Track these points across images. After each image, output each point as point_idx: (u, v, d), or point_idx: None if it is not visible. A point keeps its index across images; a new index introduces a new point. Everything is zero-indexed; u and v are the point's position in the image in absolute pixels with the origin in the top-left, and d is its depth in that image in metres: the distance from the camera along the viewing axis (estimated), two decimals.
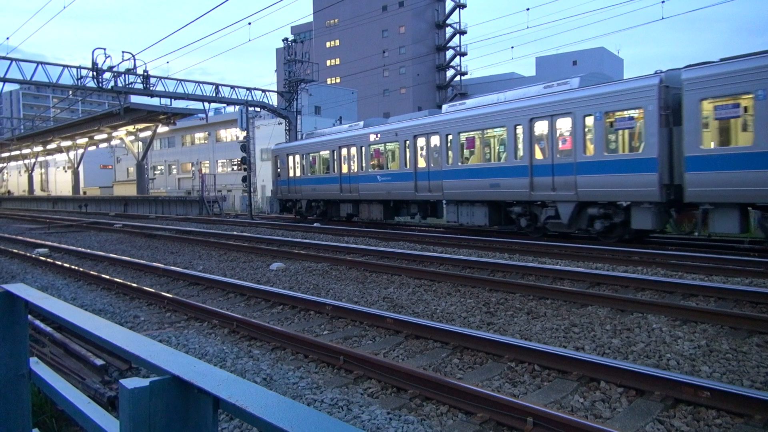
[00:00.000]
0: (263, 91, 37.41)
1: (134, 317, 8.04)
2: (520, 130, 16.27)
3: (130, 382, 1.37)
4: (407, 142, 20.61)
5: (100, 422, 1.90)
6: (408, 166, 20.58)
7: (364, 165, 22.90)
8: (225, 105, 43.28)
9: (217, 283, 10.10)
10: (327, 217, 26.52)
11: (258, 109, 38.43)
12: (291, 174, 28.12)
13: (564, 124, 15.15)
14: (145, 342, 1.75)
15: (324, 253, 14.09)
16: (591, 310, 7.55)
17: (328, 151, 25.42)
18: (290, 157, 28.19)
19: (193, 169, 61.19)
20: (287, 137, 38.40)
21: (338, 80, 79.85)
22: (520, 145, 16.23)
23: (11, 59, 28.94)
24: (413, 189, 20.25)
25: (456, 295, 8.97)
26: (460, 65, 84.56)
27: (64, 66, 30.48)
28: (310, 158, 26.76)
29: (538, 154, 15.86)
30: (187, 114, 41.93)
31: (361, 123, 24.65)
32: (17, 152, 65.02)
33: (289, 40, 38.33)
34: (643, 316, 7.13)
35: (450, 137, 18.64)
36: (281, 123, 40.67)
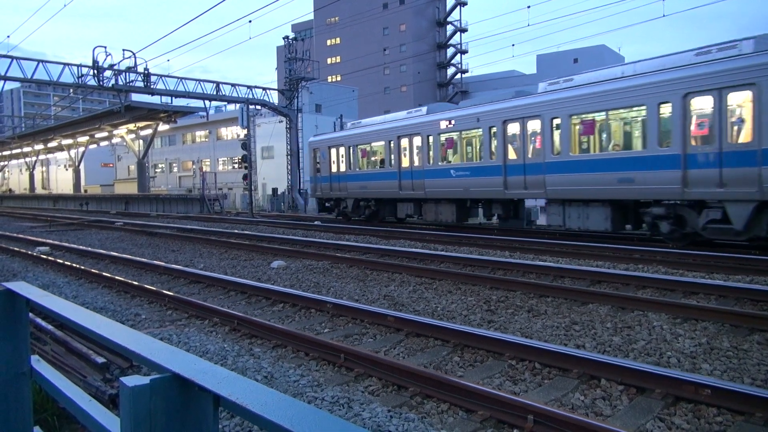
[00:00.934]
0: (264, 89, 37.41)
1: (135, 315, 8.05)
2: (667, 108, 12.76)
3: (131, 380, 1.37)
4: (493, 129, 17.16)
5: (101, 420, 1.90)
6: (494, 158, 17.13)
7: (432, 157, 19.44)
8: (226, 103, 43.27)
9: (218, 281, 10.10)
10: (378, 218, 23.36)
11: (259, 107, 38.42)
12: (333, 169, 24.67)
13: (738, 99, 11.71)
14: (146, 340, 1.75)
15: (325, 251, 14.10)
16: (592, 308, 7.55)
17: (382, 143, 21.95)
18: (332, 151, 24.76)
19: (194, 167, 61.16)
20: (288, 135, 38.39)
21: (339, 78, 79.76)
22: (671, 128, 12.71)
23: (12, 57, 28.93)
24: (502, 186, 16.83)
25: (457, 293, 8.97)
26: (460, 63, 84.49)
27: (65, 64, 30.48)
28: (359, 151, 23.35)
29: (697, 140, 12.44)
30: (188, 112, 41.95)
31: (424, 109, 21.02)
32: (18, 150, 65.07)
33: (290, 38, 38.30)
34: (644, 313, 7.13)
35: (556, 121, 15.23)
36: (282, 121, 40.66)
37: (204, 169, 49.19)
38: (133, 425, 1.35)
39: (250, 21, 27.32)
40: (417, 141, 20.26)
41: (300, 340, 6.29)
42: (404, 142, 20.81)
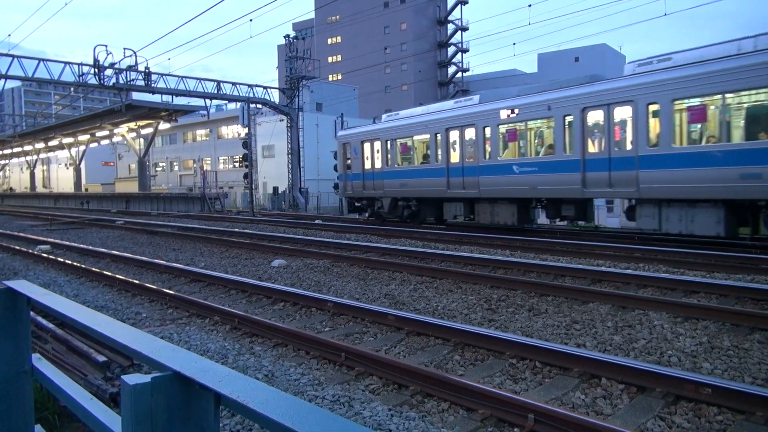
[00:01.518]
0: (265, 87, 37.41)
1: (136, 314, 8.06)
2: None
3: (132, 378, 1.37)
4: (569, 118, 15.01)
5: (102, 418, 1.90)
6: (569, 151, 14.99)
7: (488, 151, 17.33)
8: (226, 102, 43.31)
9: (219, 279, 10.11)
10: (418, 219, 21.06)
11: (259, 106, 38.43)
12: (367, 166, 22.34)
13: None
14: (147, 338, 1.75)
15: (325, 250, 14.10)
16: (592, 307, 7.55)
17: (426, 136, 19.71)
18: (366, 146, 22.48)
19: (195, 166, 61.19)
20: (289, 134, 38.39)
21: (340, 77, 79.74)
22: None
23: (13, 56, 28.92)
24: (579, 183, 14.72)
25: (457, 292, 8.97)
26: (461, 62, 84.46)
27: (66, 63, 30.48)
28: (398, 145, 21.07)
29: None
30: (189, 111, 41.94)
31: (476, 97, 18.91)
32: (19, 149, 65.10)
33: (291, 36, 38.31)
34: (645, 313, 7.12)
35: (653, 108, 13.11)
36: (283, 120, 40.68)
37: (205, 168, 49.21)
38: (134, 423, 1.35)
39: (251, 20, 27.35)
40: (470, 133, 17.94)
41: (301, 338, 6.29)
42: (454, 134, 18.47)
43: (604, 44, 76.36)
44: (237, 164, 55.22)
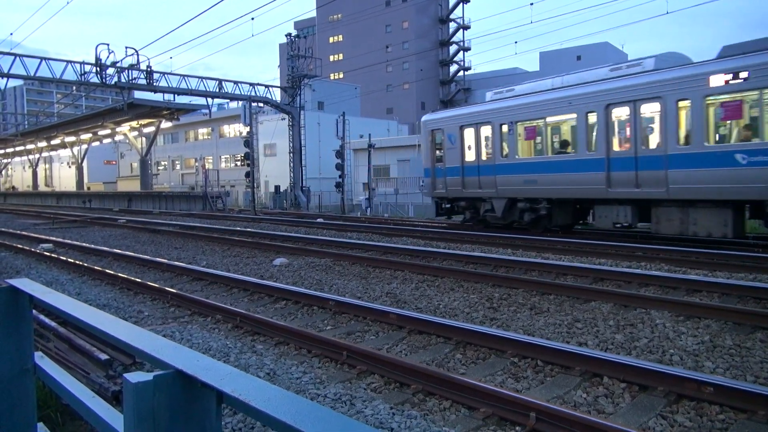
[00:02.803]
0: (266, 86, 37.42)
1: (138, 312, 8.07)
2: None
3: (134, 377, 1.38)
4: None
5: (104, 416, 1.91)
6: None
7: (685, 136, 12.73)
8: (228, 101, 43.32)
9: (221, 278, 10.12)
10: (544, 225, 16.26)
11: (261, 104, 38.45)
12: (469, 158, 18.10)
13: None
14: (149, 337, 1.76)
15: (327, 248, 14.10)
16: (594, 306, 7.55)
17: (571, 116, 15.21)
18: (467, 132, 18.19)
19: (197, 164, 61.26)
20: (290, 133, 38.39)
21: (341, 76, 79.76)
22: None
23: (15, 55, 28.96)
24: None
25: (459, 290, 8.97)
26: (463, 60, 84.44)
27: (68, 62, 30.52)
28: (520, 130, 16.53)
29: None
30: (191, 109, 41.98)
31: (649, 61, 14.06)
32: (21, 148, 65.21)
33: (292, 35, 38.31)
34: (647, 311, 7.12)
35: None
36: (284, 119, 40.70)
37: (206, 167, 49.25)
38: (136, 421, 1.36)
39: (252, 18, 27.37)
40: (648, 110, 13.42)
41: (302, 337, 6.29)
42: (620, 112, 14.02)
43: (607, 42, 76.28)
44: (239, 163, 55.34)
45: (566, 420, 3.88)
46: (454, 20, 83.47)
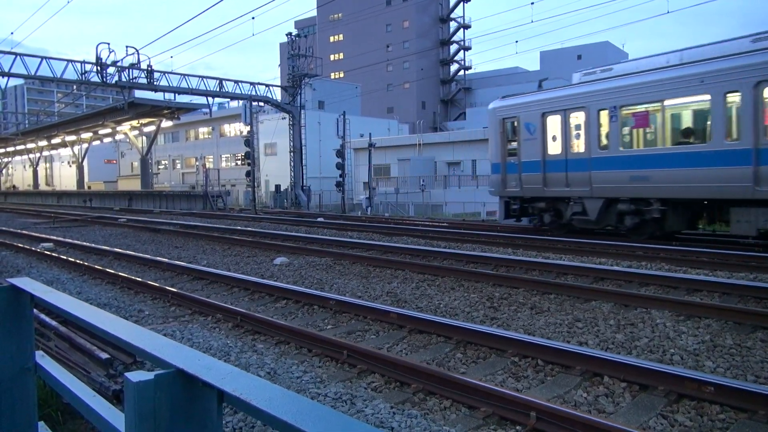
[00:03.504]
0: (267, 86, 37.43)
1: (139, 311, 8.07)
2: None
3: (135, 376, 1.38)
4: None
5: (105, 415, 1.91)
6: None
7: None
8: (229, 100, 43.35)
9: (221, 277, 10.13)
10: (648, 231, 13.80)
11: (262, 104, 38.45)
12: (553, 150, 15.45)
13: None
14: (150, 336, 1.76)
15: (327, 248, 14.10)
16: (595, 305, 7.55)
17: (701, 97, 12.60)
18: (551, 119, 15.51)
19: (197, 163, 61.28)
20: (291, 132, 38.39)
21: (342, 75, 79.76)
22: None
23: (15, 54, 28.97)
24: None
25: (459, 290, 8.97)
26: (464, 60, 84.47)
27: (69, 61, 30.55)
28: (626, 117, 13.88)
29: None
30: (191, 109, 41.99)
31: None
32: (22, 147, 65.23)
33: (293, 34, 38.31)
34: (647, 311, 7.12)
35: None
36: (285, 118, 40.70)
37: (207, 166, 49.26)
38: (137, 420, 1.36)
39: (253, 18, 27.38)
40: None
41: (303, 336, 6.30)
42: None
43: (607, 42, 76.26)
44: (239, 162, 55.34)
45: (567, 419, 3.88)
46: (454, 19, 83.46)
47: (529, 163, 16.02)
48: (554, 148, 15.49)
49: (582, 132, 14.78)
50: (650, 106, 13.48)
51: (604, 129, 14.30)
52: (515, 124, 16.53)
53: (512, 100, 17.01)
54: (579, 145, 14.91)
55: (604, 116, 14.20)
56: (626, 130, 14.12)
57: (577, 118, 14.90)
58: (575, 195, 15.01)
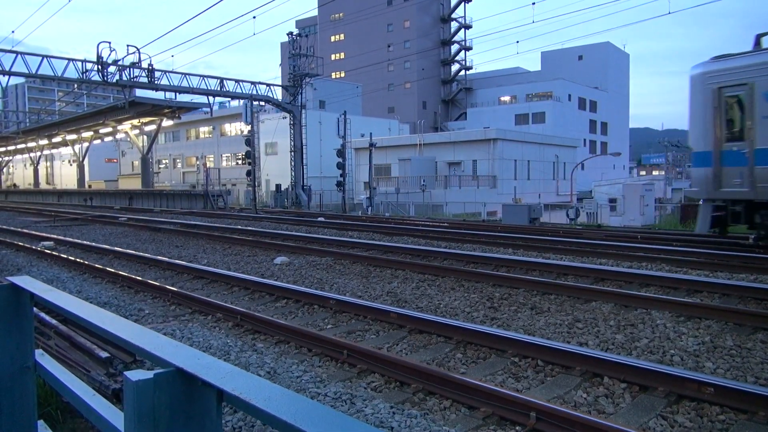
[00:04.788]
0: (268, 85, 37.41)
1: (139, 310, 8.07)
2: None
3: (135, 375, 1.37)
4: None
5: (104, 414, 1.91)
6: None
7: None
8: (229, 99, 43.32)
9: (222, 276, 10.13)
10: None
11: (262, 103, 38.44)
12: None
13: None
14: (150, 335, 1.75)
15: (328, 247, 14.10)
16: (595, 306, 7.54)
17: None
18: None
19: (198, 163, 61.28)
20: (292, 132, 38.38)
21: (343, 74, 79.76)
22: None
23: (16, 53, 28.96)
24: None
25: (460, 290, 8.97)
26: (465, 60, 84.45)
27: (69, 59, 30.53)
28: None
29: None
30: (192, 108, 41.98)
31: None
32: (22, 146, 65.21)
33: (294, 34, 38.29)
34: (647, 311, 7.12)
35: None
36: (286, 117, 40.70)
37: (207, 165, 49.28)
38: (137, 419, 1.36)
39: (254, 17, 27.35)
40: None
41: (303, 336, 6.30)
42: None
43: (608, 42, 76.22)
44: (240, 161, 55.34)
45: (566, 420, 3.88)
46: (455, 19, 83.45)
47: (764, 152, 11.39)
48: None
49: None
50: None
51: None
52: (743, 94, 11.65)
53: (736, 61, 11.95)
54: None
55: None
56: None
57: None
58: None
